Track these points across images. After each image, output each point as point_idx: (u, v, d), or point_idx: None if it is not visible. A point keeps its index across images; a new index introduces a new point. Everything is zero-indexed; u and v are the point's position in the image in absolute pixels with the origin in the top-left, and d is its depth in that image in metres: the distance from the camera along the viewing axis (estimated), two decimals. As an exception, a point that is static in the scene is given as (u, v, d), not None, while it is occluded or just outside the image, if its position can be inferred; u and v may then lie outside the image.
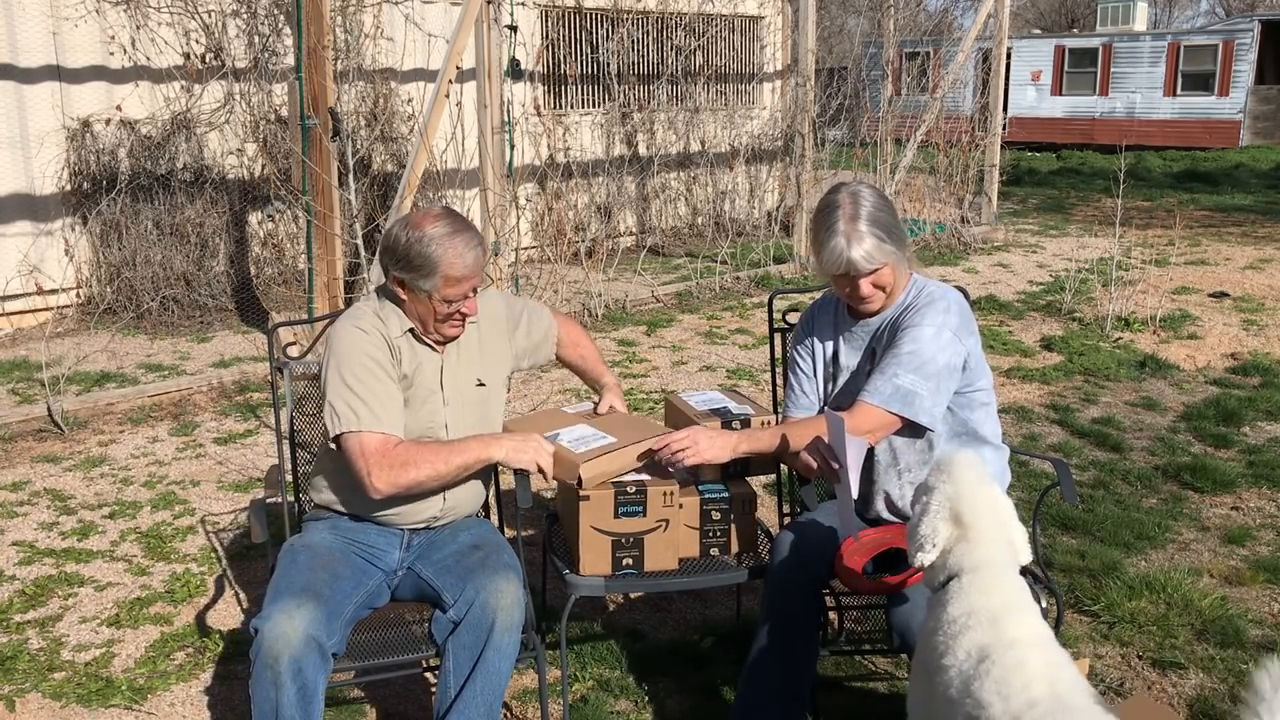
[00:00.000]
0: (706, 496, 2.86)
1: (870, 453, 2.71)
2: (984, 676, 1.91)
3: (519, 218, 8.41)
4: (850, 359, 2.75)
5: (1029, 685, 1.85)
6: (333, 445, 2.54)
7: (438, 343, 2.68)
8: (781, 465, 2.95)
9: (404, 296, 2.59)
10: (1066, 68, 24.47)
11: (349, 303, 6.52)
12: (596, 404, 3.03)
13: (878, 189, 2.64)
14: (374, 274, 6.63)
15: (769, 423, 2.96)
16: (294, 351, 3.06)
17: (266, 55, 8.37)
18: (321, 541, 2.61)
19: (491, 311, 2.81)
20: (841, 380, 2.76)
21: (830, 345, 2.79)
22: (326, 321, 3.38)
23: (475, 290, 2.61)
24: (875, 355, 2.69)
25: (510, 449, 2.60)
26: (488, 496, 3.18)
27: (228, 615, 3.61)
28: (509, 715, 3.01)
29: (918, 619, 2.42)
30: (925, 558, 2.17)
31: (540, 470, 2.65)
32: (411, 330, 2.64)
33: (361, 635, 2.56)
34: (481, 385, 2.75)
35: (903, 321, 2.62)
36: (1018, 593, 2.10)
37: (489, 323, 2.80)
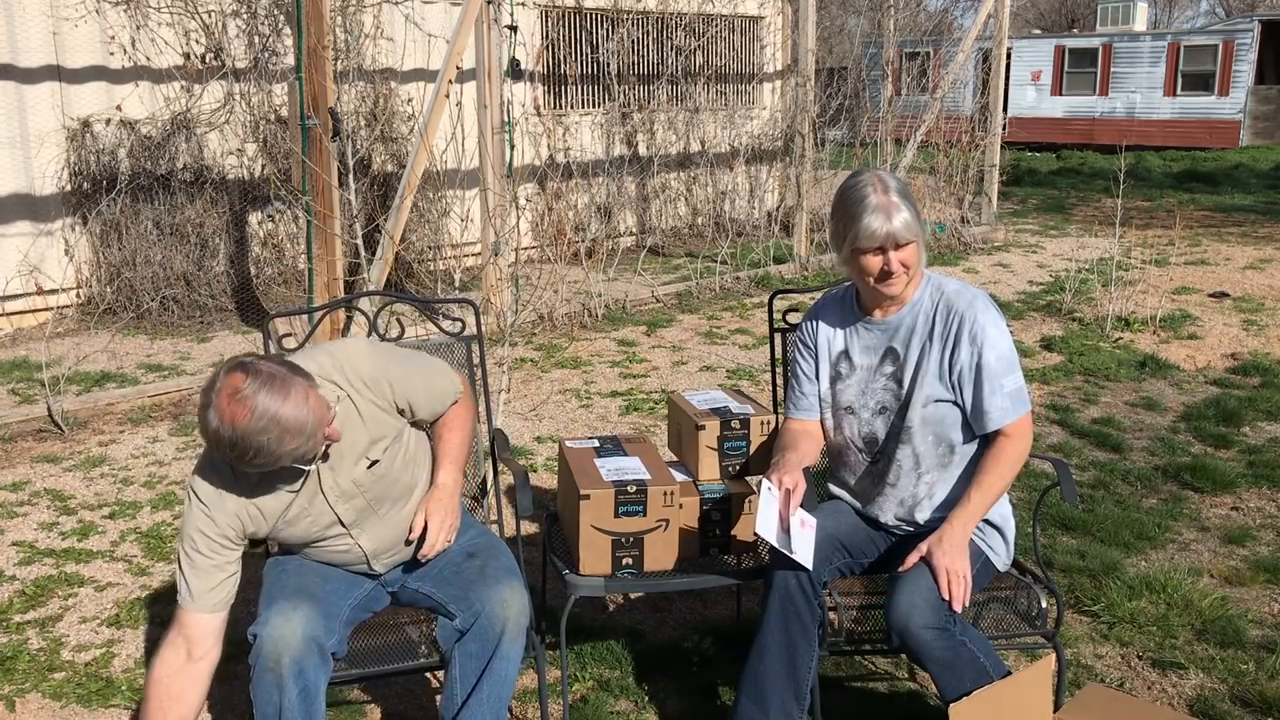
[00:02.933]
0: (706, 496, 2.86)
1: (891, 455, 2.71)
2: None
3: (519, 218, 8.41)
4: (865, 358, 2.73)
5: None
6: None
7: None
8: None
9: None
10: (1066, 68, 24.48)
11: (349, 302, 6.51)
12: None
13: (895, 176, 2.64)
14: (374, 274, 6.64)
15: (768, 423, 2.96)
16: (290, 343, 3.05)
17: (266, 55, 8.38)
18: (307, 555, 2.61)
19: (359, 376, 2.42)
20: (852, 379, 2.74)
21: (840, 342, 2.78)
22: (324, 311, 3.38)
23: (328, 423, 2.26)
24: (899, 357, 2.67)
25: None
26: (487, 496, 3.18)
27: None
28: (509, 715, 3.01)
29: (916, 618, 2.42)
30: None
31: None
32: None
33: (363, 641, 2.54)
34: (375, 463, 2.45)
35: (953, 332, 2.61)
36: None
37: (360, 389, 2.42)
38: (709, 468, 2.93)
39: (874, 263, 2.57)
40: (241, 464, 2.22)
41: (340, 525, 2.48)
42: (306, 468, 2.33)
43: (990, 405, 2.59)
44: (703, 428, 2.91)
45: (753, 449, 2.94)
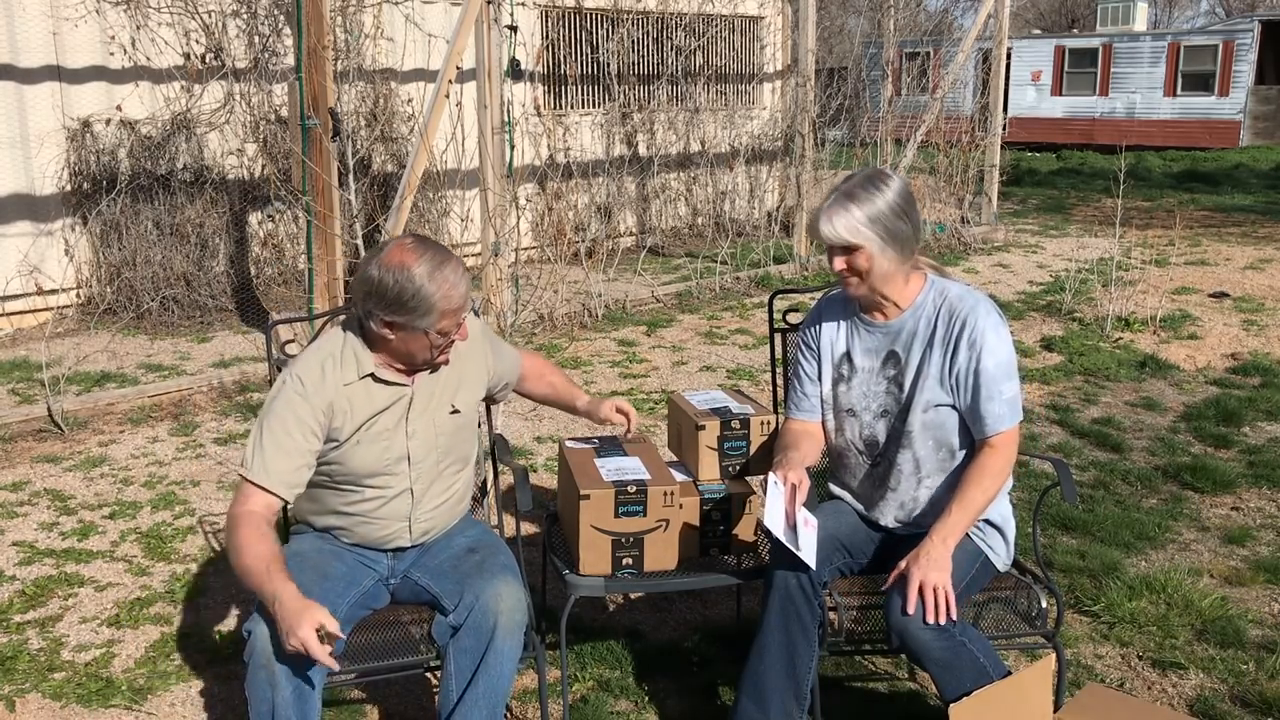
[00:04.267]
0: (706, 496, 2.86)
1: (892, 460, 2.71)
2: None
3: (519, 218, 8.39)
4: (866, 360, 2.73)
5: None
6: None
7: (410, 373, 2.56)
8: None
9: (392, 337, 2.46)
10: (1066, 68, 24.48)
11: (349, 303, 6.52)
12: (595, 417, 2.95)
13: (903, 181, 2.60)
14: (374, 274, 6.62)
15: (768, 424, 2.95)
16: (293, 349, 3.05)
17: (266, 55, 8.38)
18: (310, 548, 2.60)
19: (471, 333, 2.68)
20: (854, 381, 2.74)
21: (842, 344, 2.77)
22: (326, 318, 3.38)
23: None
24: (900, 361, 2.67)
25: (279, 617, 2.21)
26: (485, 498, 3.18)
27: (228, 615, 3.61)
28: (509, 716, 3.01)
29: (916, 619, 2.42)
30: None
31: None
32: (372, 374, 2.50)
33: (361, 637, 2.54)
34: (456, 412, 2.63)
35: (953, 337, 2.59)
36: None
37: (469, 345, 2.67)
38: (709, 468, 2.93)
39: (833, 263, 2.62)
40: (396, 309, 2.39)
41: (406, 461, 2.56)
42: (451, 336, 2.48)
43: (987, 411, 2.58)
44: (703, 428, 2.91)
45: (753, 449, 2.94)
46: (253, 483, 2.40)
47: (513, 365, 2.90)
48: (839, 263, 2.60)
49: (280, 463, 2.41)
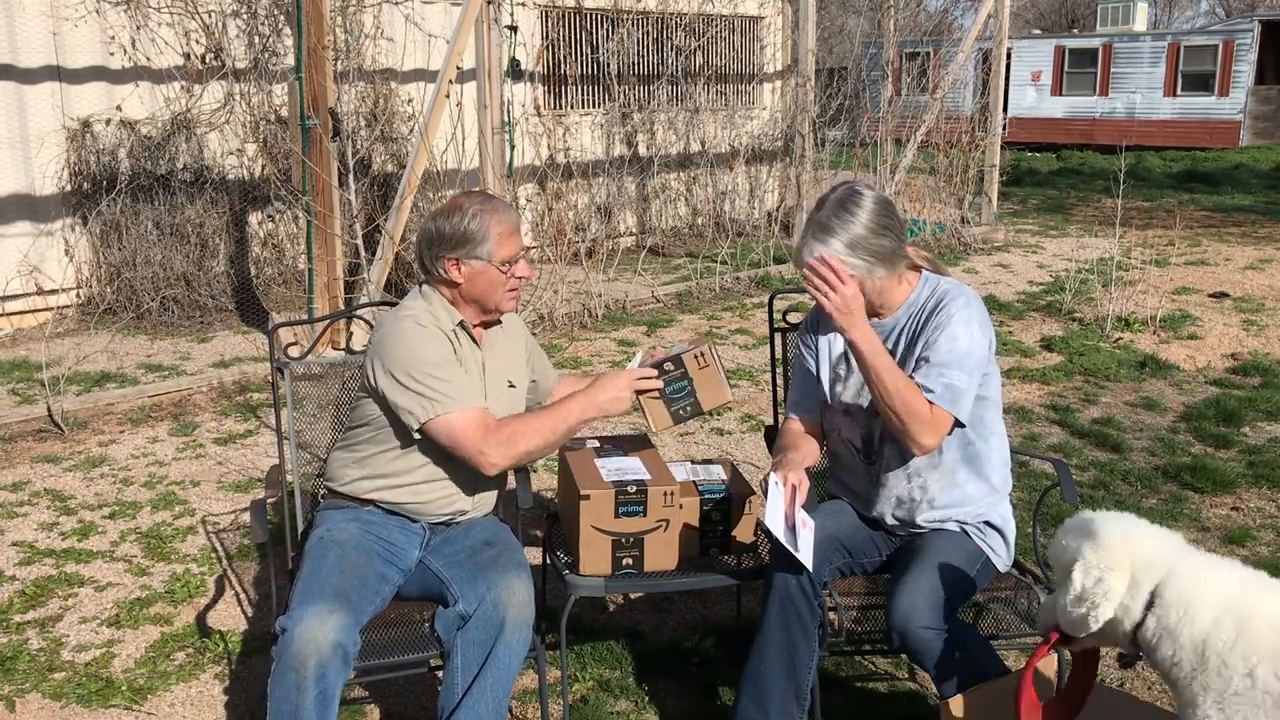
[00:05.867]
0: (706, 496, 2.86)
1: (885, 455, 2.71)
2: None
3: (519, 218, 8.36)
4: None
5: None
6: (417, 435, 2.55)
7: (487, 324, 2.74)
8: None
9: (460, 279, 2.62)
10: (1066, 68, 24.49)
11: (349, 303, 6.53)
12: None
13: (876, 195, 2.60)
14: (374, 274, 6.63)
15: (702, 355, 2.78)
16: (294, 351, 3.05)
17: (266, 55, 8.38)
18: (350, 538, 2.59)
19: (513, 325, 2.87)
20: (850, 380, 2.74)
21: (840, 344, 2.78)
22: (327, 321, 3.38)
23: (525, 251, 2.71)
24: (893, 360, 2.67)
25: (608, 403, 2.63)
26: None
27: (228, 615, 3.61)
28: (509, 716, 3.01)
29: (916, 619, 2.42)
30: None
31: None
32: (461, 324, 2.66)
33: (365, 635, 2.55)
34: (512, 386, 2.79)
35: (927, 324, 2.60)
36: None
37: (513, 332, 2.86)
38: (661, 417, 2.77)
39: None
40: (458, 243, 2.59)
41: None
42: (514, 267, 2.65)
43: (920, 380, 2.53)
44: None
45: (696, 384, 2.77)
46: (466, 409, 2.52)
47: (548, 370, 3.03)
48: None
49: (467, 382, 2.57)
